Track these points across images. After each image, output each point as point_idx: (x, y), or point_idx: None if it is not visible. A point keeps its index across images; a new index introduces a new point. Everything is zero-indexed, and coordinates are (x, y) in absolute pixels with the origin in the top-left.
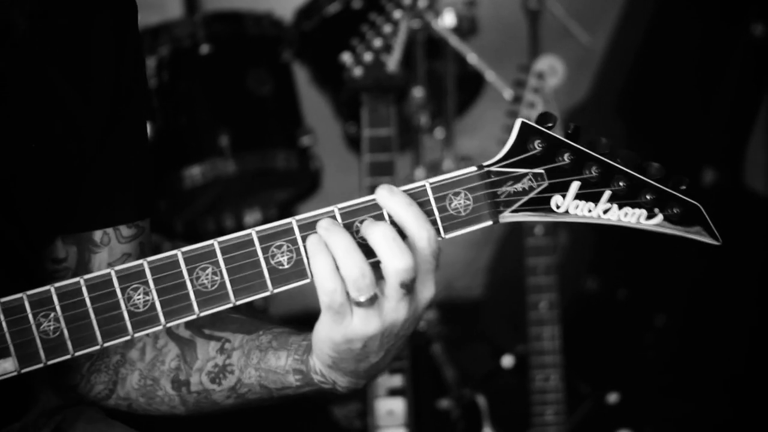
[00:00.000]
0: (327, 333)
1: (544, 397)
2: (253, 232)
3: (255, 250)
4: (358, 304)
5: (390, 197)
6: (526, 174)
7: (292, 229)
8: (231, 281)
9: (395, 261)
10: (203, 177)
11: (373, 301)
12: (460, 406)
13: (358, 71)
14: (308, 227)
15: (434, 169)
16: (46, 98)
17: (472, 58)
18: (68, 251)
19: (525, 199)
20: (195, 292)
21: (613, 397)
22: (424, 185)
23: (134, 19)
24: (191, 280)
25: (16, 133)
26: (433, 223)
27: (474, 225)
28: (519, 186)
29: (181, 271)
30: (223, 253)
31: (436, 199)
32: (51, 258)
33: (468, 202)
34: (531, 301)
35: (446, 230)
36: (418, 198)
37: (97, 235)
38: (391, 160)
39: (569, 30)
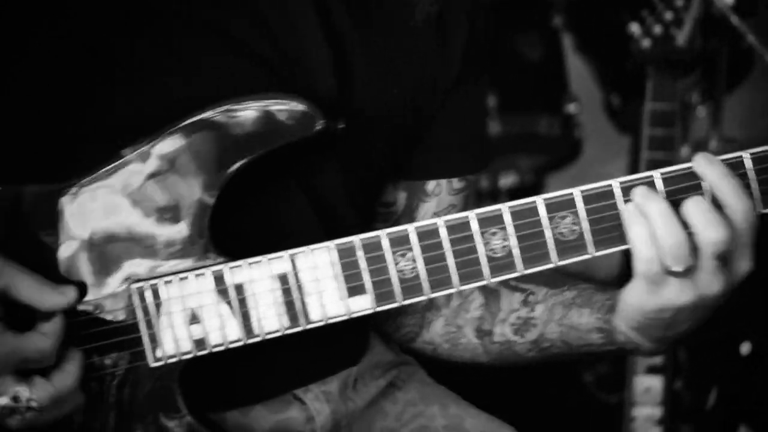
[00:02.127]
0: (638, 301)
1: None
2: (614, 183)
3: (615, 203)
4: (674, 273)
5: (707, 166)
6: None
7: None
8: (591, 231)
9: (709, 232)
10: None
11: (688, 271)
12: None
13: (646, 43)
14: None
15: (700, 148)
16: (410, 48)
17: (751, 38)
18: (398, 197)
19: None
20: (554, 241)
21: None
22: (741, 156)
23: None
24: (551, 228)
25: (383, 78)
26: (750, 195)
27: None
28: None
29: (540, 219)
30: (585, 203)
31: (757, 171)
32: (379, 201)
33: None
34: None
35: (765, 204)
36: (736, 169)
37: (430, 185)
38: (672, 134)
39: None
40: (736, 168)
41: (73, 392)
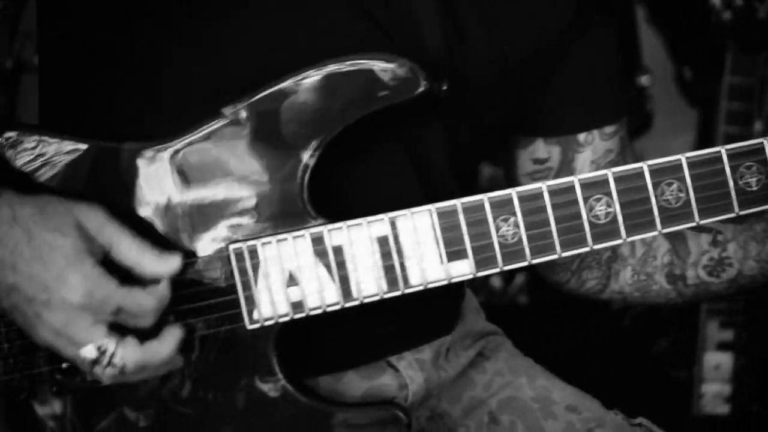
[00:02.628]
0: None
1: None
2: (722, 150)
3: (723, 169)
4: None
5: None
6: None
7: (763, 149)
8: (696, 199)
9: None
10: None
11: None
12: None
13: (727, 15)
14: None
15: None
16: (521, 3)
17: None
18: (551, 152)
19: None
20: (659, 208)
21: None
22: None
23: None
24: (656, 195)
25: (494, 37)
26: None
27: None
28: None
29: (646, 185)
30: (690, 169)
31: None
32: (532, 158)
33: None
34: None
35: None
36: None
37: (581, 136)
38: (750, 109)
39: None
40: None
41: (164, 363)
